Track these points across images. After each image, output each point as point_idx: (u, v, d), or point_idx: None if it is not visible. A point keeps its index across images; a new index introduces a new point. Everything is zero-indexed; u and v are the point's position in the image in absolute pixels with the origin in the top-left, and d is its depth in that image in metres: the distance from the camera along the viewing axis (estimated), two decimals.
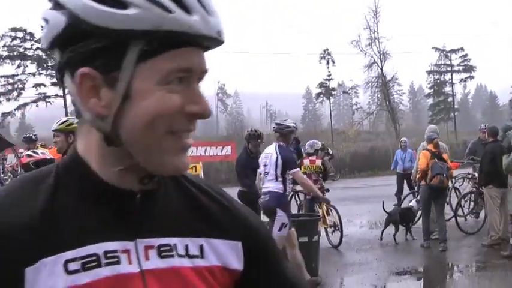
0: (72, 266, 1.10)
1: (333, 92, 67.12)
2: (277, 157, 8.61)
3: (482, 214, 13.66)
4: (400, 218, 12.73)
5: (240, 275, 1.31)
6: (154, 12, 1.08)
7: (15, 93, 50.71)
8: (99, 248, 1.14)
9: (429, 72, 73.65)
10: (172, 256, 1.21)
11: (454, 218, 13.22)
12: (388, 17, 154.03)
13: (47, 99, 51.19)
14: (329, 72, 63.94)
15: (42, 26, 1.17)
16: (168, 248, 1.21)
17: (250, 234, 1.35)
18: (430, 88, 75.17)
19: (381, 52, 58.26)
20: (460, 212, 13.60)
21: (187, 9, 1.11)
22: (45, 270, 1.09)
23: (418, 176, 12.19)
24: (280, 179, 8.59)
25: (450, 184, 13.56)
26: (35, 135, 14.86)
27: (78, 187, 1.18)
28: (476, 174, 13.43)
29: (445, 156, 12.07)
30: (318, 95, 67.18)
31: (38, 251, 1.09)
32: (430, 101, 78.24)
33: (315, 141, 13.24)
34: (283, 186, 8.64)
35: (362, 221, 15.81)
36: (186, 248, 1.24)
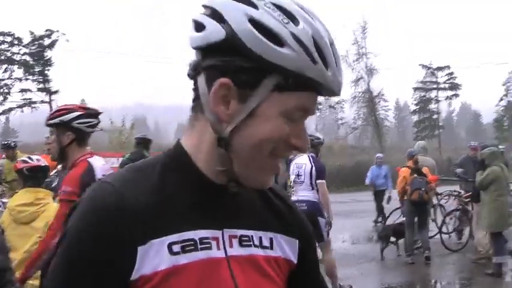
0: (175, 248, 1.29)
1: (319, 106, 67.29)
2: (311, 167, 9.09)
3: (466, 231, 13.76)
4: (393, 233, 12.81)
5: (295, 268, 1.52)
6: (303, 58, 1.26)
7: (0, 98, 50.36)
8: (196, 234, 1.32)
9: (415, 89, 74.07)
10: (250, 246, 1.41)
11: (438, 235, 13.29)
12: (376, 33, 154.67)
13: (33, 105, 50.87)
14: None
15: (194, 27, 1.32)
16: (247, 238, 1.41)
17: (305, 235, 1.57)
18: (416, 105, 75.53)
19: (368, 68, 58.56)
20: (444, 229, 13.67)
21: (326, 64, 1.28)
22: (153, 250, 1.27)
23: (398, 193, 12.35)
24: (315, 188, 9.07)
25: (435, 201, 13.66)
26: (14, 141, 14.67)
27: (183, 178, 1.37)
28: (462, 192, 13.54)
29: (425, 170, 12.23)
30: None
31: (149, 233, 1.27)
32: (415, 117, 78.52)
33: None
34: (318, 195, 9.08)
35: (347, 236, 15.86)
36: (260, 239, 1.44)
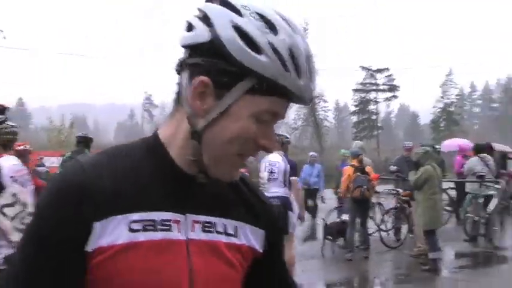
0: (135, 226, 1.38)
1: None
2: (285, 165, 9.50)
3: (404, 229, 14.06)
4: (335, 231, 13.06)
5: (259, 256, 1.62)
6: (277, 66, 1.37)
7: None
8: (158, 215, 1.42)
9: (355, 91, 75.08)
10: (212, 232, 1.50)
11: (377, 233, 13.56)
12: (317, 34, 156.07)
13: None
14: None
15: (186, 27, 1.45)
16: (210, 225, 1.50)
17: (273, 228, 1.66)
18: (356, 106, 76.57)
19: None
20: (383, 226, 13.94)
21: (299, 73, 1.39)
22: (112, 225, 1.36)
23: (342, 190, 12.53)
24: (287, 184, 9.49)
25: (374, 199, 13.91)
26: None
27: (154, 165, 1.47)
28: (400, 191, 13.83)
29: (368, 169, 12.52)
30: None
31: (110, 210, 1.37)
32: (354, 118, 79.60)
33: None
34: (289, 191, 9.55)
35: None
36: (225, 227, 1.53)
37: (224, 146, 1.41)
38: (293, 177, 9.75)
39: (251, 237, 1.58)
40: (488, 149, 14.47)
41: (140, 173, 1.44)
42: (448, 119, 75.10)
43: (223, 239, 1.51)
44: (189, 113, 1.42)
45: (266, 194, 7.47)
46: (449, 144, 24.79)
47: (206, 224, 1.49)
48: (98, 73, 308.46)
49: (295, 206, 9.63)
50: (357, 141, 15.86)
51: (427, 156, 11.45)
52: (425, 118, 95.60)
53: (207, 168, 1.44)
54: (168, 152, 1.48)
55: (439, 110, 77.15)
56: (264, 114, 1.40)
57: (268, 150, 1.47)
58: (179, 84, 1.46)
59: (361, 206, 12.36)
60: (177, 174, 1.47)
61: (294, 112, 66.26)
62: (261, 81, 1.37)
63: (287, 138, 10.19)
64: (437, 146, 18.48)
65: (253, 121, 1.40)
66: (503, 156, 19.19)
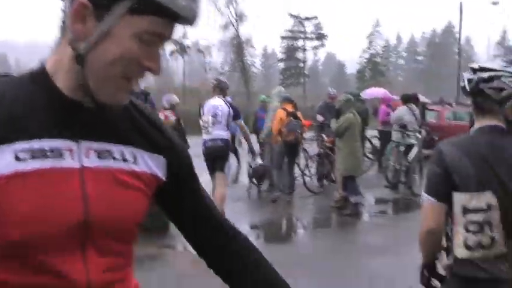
0: (22, 155, 1.35)
1: (186, 50, 66.81)
2: (228, 109, 9.81)
3: (328, 175, 14.30)
4: (261, 175, 13.35)
5: (164, 185, 1.61)
6: None
7: None
8: (48, 144, 1.39)
9: (283, 38, 75.12)
10: (109, 158, 1.47)
11: (301, 178, 13.74)
12: None
13: None
14: (184, 29, 63.41)
15: None
16: (106, 152, 1.48)
17: (173, 153, 1.64)
18: (283, 53, 76.74)
19: (237, 13, 58.66)
20: (307, 172, 14.13)
21: None
22: None
23: (274, 134, 12.52)
24: (229, 128, 9.94)
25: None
26: None
27: (40, 93, 1.44)
28: (325, 137, 14.02)
29: (299, 114, 12.62)
30: (172, 52, 66.65)
31: None
32: (282, 65, 79.87)
33: (172, 96, 12.79)
34: (230, 134, 10.12)
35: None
36: (122, 153, 1.50)
37: (107, 68, 1.38)
38: (239, 120, 10.19)
39: (152, 164, 1.57)
40: (414, 99, 14.77)
41: (26, 102, 1.41)
42: (374, 70, 76.27)
43: (121, 165, 1.49)
44: (71, 37, 1.39)
45: (208, 136, 8.24)
46: (371, 92, 25.25)
47: (102, 151, 1.47)
48: (22, 10, 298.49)
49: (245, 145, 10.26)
50: (278, 87, 15.96)
51: (349, 104, 11.66)
52: (351, 68, 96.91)
53: (93, 93, 1.42)
54: (51, 79, 1.45)
55: (365, 60, 78.27)
56: (146, 35, 1.39)
57: (154, 72, 1.45)
58: (63, 10, 1.43)
59: (292, 150, 12.55)
60: (63, 101, 1.44)
61: (222, 57, 66.03)
62: (139, 0, 1.35)
63: (226, 83, 10.51)
64: (361, 95, 18.77)
65: (135, 42, 1.38)
66: (423, 106, 19.80)
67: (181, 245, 8.45)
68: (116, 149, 1.49)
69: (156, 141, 1.60)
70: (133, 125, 1.57)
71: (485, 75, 2.95)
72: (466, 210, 2.92)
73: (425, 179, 3.12)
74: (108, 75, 1.39)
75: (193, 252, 1.79)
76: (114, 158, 1.48)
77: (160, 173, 1.59)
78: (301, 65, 75.72)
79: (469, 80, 3.02)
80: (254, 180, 13.18)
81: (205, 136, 9.93)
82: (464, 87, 3.07)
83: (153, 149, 1.58)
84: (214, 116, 9.79)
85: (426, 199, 3.06)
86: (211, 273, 1.78)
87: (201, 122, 10.10)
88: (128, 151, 1.51)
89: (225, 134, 9.85)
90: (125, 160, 1.50)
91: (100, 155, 1.46)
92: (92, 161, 1.44)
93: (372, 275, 7.41)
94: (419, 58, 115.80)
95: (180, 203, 1.68)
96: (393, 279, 6.87)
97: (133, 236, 1.56)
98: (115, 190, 1.46)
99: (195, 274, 7.01)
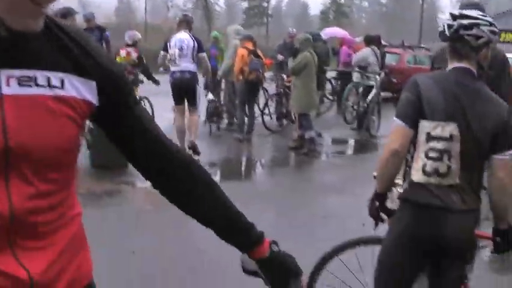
0: None
1: None
2: (193, 42, 10.21)
3: (286, 114, 14.34)
4: (217, 113, 13.35)
5: (97, 109, 1.56)
6: None
7: None
8: None
9: None
10: (32, 85, 1.41)
11: (260, 117, 13.75)
12: None
13: None
14: None
15: None
16: (29, 78, 1.40)
17: (106, 77, 1.57)
18: None
19: None
20: (266, 111, 14.16)
21: None
22: None
23: (236, 72, 12.43)
24: (195, 61, 10.31)
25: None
26: None
27: None
28: (285, 76, 14.02)
29: (259, 52, 12.57)
30: None
31: None
32: (245, 4, 79.06)
33: (135, 32, 12.49)
34: (197, 67, 10.49)
35: (172, 115, 15.87)
36: (48, 79, 1.44)
37: None
38: (202, 53, 10.39)
39: (81, 89, 1.51)
40: (377, 41, 14.76)
41: None
42: (337, 11, 75.87)
43: (46, 92, 1.43)
44: None
45: (176, 68, 9.03)
46: (330, 31, 25.16)
47: (23, 78, 1.39)
48: None
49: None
50: (235, 25, 15.92)
51: (307, 43, 11.64)
52: (315, 9, 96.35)
53: (4, 20, 1.36)
54: None
55: (329, 1, 77.72)
56: None
57: None
58: None
59: (253, 88, 12.53)
60: None
61: None
62: None
63: (192, 18, 11.00)
64: (322, 35, 18.71)
65: None
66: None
67: (140, 181, 8.42)
68: (40, 74, 1.42)
69: (86, 66, 1.52)
70: (62, 50, 1.49)
71: (466, 22, 3.12)
72: (429, 138, 3.13)
73: (398, 105, 3.28)
74: (15, 1, 1.35)
75: (153, 190, 1.76)
76: (37, 85, 1.41)
77: (92, 98, 1.54)
78: (265, 4, 74.85)
79: (449, 26, 3.17)
80: (213, 118, 13.09)
81: (173, 68, 10.31)
82: (443, 32, 3.22)
83: (83, 74, 1.51)
84: (181, 49, 10.14)
85: (395, 123, 3.22)
86: (169, 208, 1.76)
87: (167, 56, 10.33)
88: (54, 76, 1.45)
89: (192, 67, 10.27)
90: (50, 86, 1.43)
91: (22, 82, 1.39)
92: (13, 89, 1.37)
93: (326, 213, 7.55)
94: (383, 1, 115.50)
95: (120, 128, 1.64)
96: (347, 217, 6.97)
97: (66, 163, 1.52)
98: (38, 117, 1.41)
99: (153, 210, 7.11)
